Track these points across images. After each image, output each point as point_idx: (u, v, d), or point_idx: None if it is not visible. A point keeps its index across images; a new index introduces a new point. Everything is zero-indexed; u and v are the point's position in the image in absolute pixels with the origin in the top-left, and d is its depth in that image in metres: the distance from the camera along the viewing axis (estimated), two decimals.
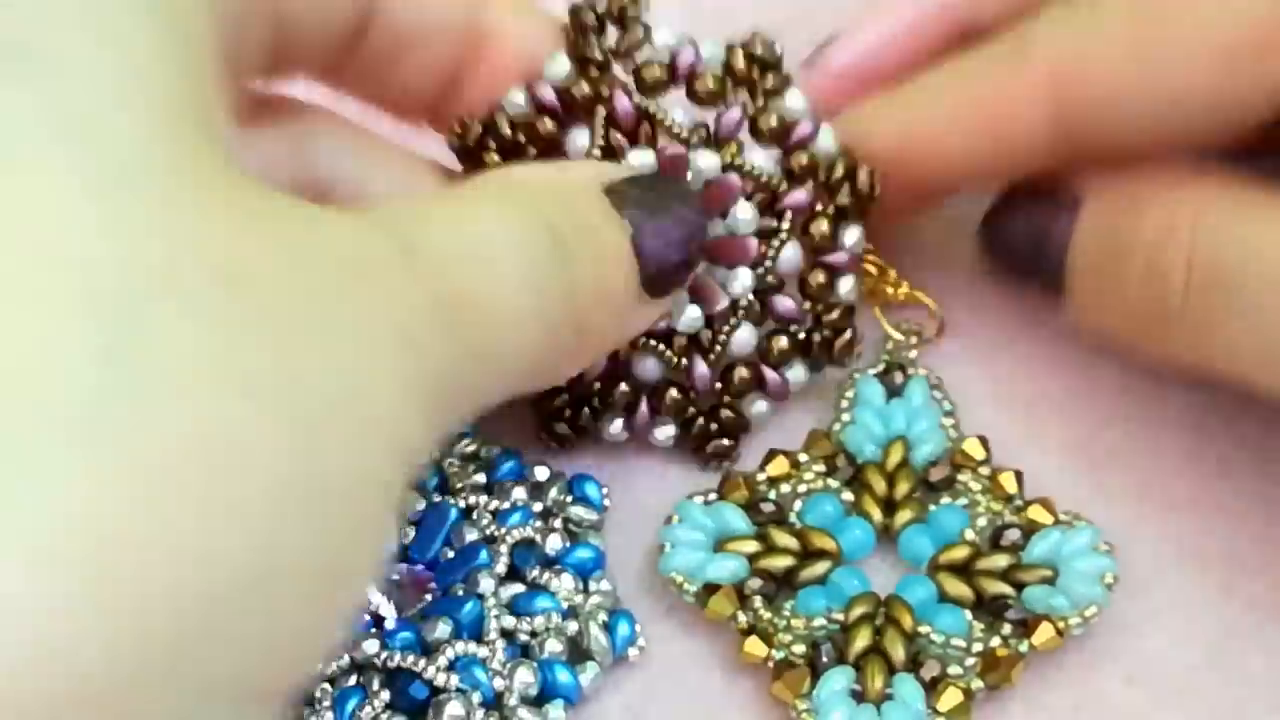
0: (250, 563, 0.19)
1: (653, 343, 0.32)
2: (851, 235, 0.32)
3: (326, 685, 0.30)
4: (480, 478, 0.32)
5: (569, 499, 0.32)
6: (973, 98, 0.31)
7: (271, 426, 0.20)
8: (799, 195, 0.32)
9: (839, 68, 0.34)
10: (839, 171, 0.32)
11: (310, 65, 0.30)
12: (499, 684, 0.29)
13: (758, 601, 0.31)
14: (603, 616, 0.31)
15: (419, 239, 0.23)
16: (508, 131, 0.31)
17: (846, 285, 0.32)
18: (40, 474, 0.18)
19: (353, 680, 0.30)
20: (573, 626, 0.30)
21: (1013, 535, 0.31)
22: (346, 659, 0.30)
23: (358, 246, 0.22)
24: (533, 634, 0.30)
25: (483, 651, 0.30)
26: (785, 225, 0.32)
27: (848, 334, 0.33)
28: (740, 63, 0.32)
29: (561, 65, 0.31)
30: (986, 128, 0.31)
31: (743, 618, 0.30)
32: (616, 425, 0.33)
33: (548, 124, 0.31)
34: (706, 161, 0.31)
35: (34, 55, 0.21)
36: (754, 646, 0.30)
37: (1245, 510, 0.32)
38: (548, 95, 0.31)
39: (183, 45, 0.23)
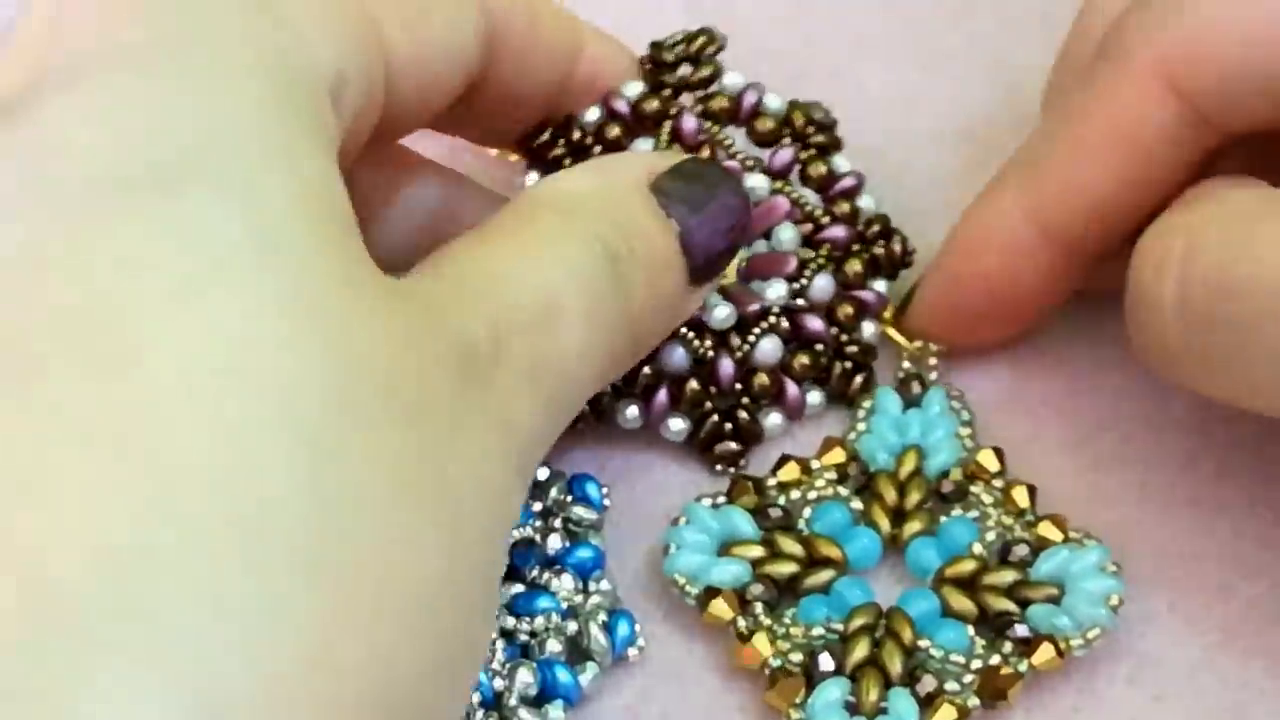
0: (422, 661, 0.21)
1: (683, 330, 0.33)
2: (880, 284, 0.34)
3: None
4: None
5: (569, 498, 0.32)
6: (1093, 124, 0.30)
7: (434, 533, 0.21)
8: (838, 231, 0.34)
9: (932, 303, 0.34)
10: (876, 227, 0.34)
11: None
12: (499, 684, 0.29)
13: (759, 608, 0.31)
14: (602, 616, 0.31)
15: (499, 316, 0.24)
16: (576, 135, 0.33)
17: (870, 328, 0.34)
18: (277, 614, 0.19)
19: None
20: (572, 626, 0.30)
21: (1021, 551, 0.31)
22: None
23: (464, 336, 0.24)
24: (532, 634, 0.30)
25: None
26: (822, 255, 0.34)
27: (864, 375, 0.34)
28: (799, 119, 0.34)
29: (636, 87, 0.34)
30: (1120, 147, 0.30)
31: (742, 623, 0.30)
32: (632, 411, 0.33)
33: (615, 130, 0.33)
34: (758, 181, 0.33)
35: (219, 171, 0.22)
36: (750, 652, 0.30)
37: (1245, 511, 0.32)
38: (621, 106, 0.33)
39: (327, 148, 0.24)
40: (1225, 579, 0.31)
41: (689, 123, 0.33)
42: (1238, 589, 0.31)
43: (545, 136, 0.33)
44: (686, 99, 0.34)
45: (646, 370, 0.33)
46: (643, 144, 0.33)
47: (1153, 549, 0.32)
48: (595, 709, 0.30)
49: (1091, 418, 0.34)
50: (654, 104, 0.33)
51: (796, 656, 0.30)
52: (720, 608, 0.30)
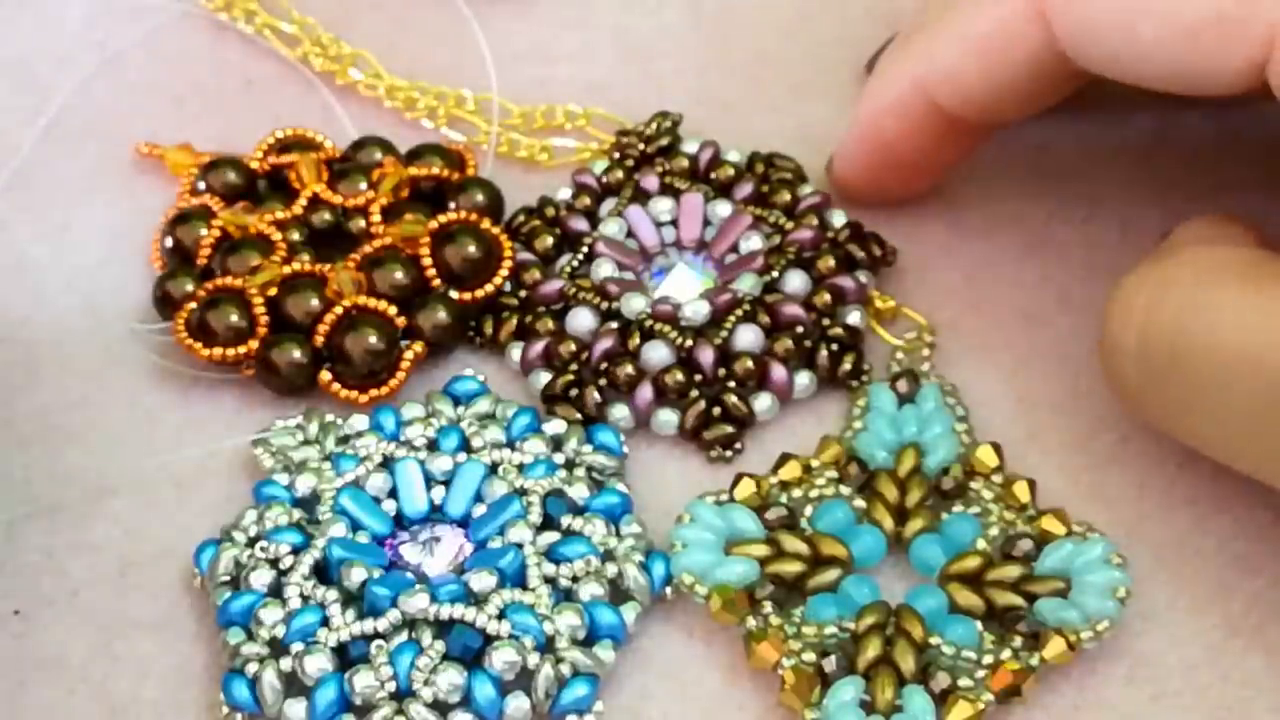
0: None
1: (663, 328, 0.34)
2: (862, 275, 0.35)
3: (380, 642, 0.30)
4: (499, 434, 0.33)
5: (589, 448, 0.33)
6: (974, 29, 0.32)
7: None
8: (804, 233, 0.35)
9: (847, 154, 0.36)
10: (845, 233, 0.35)
11: None
12: (549, 628, 0.30)
13: (768, 607, 0.31)
14: (638, 557, 0.31)
15: None
16: (550, 211, 0.36)
17: (854, 315, 0.34)
18: None
19: (405, 636, 0.30)
20: (611, 569, 0.31)
21: (1025, 546, 0.31)
22: (397, 615, 0.30)
23: None
24: (574, 579, 0.31)
25: (529, 598, 0.30)
26: (790, 252, 0.35)
27: (854, 356, 0.34)
28: (760, 166, 0.37)
29: (602, 165, 0.37)
30: (993, 55, 0.32)
31: (752, 623, 0.30)
32: (621, 410, 0.33)
33: (585, 199, 0.36)
34: (723, 206, 0.36)
35: None
36: (765, 653, 0.30)
37: (1245, 509, 0.32)
38: (588, 180, 0.37)
39: None
40: (1224, 577, 0.32)
41: (650, 181, 0.36)
42: (1236, 587, 0.31)
43: (521, 218, 0.36)
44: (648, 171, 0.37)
45: (630, 370, 0.33)
46: (608, 203, 0.36)
47: (1151, 548, 0.32)
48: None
49: (1091, 418, 0.34)
50: (618, 174, 0.37)
51: (809, 656, 0.30)
52: (731, 606, 0.30)
